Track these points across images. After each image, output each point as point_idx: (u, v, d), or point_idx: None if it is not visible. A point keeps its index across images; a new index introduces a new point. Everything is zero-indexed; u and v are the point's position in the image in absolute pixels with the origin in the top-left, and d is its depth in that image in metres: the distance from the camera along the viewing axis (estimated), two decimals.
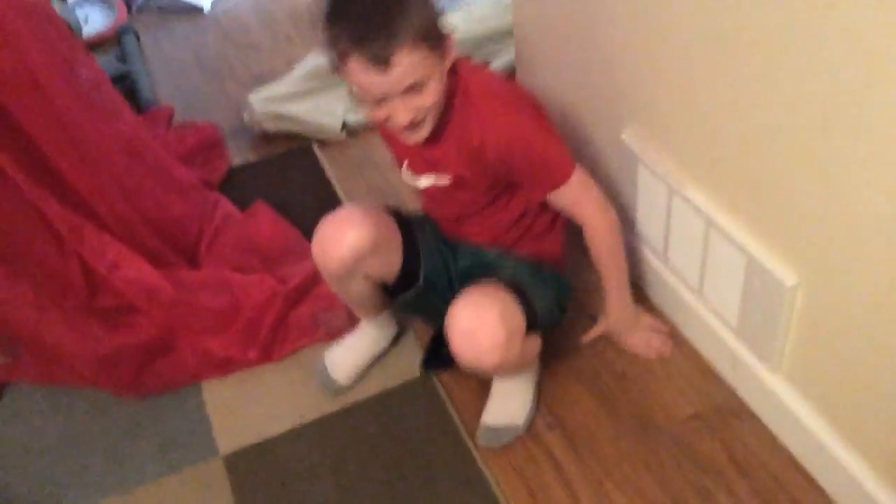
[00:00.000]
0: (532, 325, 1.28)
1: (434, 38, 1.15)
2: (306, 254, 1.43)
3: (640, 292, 1.56)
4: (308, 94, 2.14)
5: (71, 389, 1.57)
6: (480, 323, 1.19)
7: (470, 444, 1.40)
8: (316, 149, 2.09)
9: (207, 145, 2.07)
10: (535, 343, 1.36)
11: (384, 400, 1.49)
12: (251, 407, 1.51)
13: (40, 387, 1.58)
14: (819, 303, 1.13)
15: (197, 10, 2.74)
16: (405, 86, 1.13)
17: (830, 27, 0.92)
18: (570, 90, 1.60)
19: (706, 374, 1.44)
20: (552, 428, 1.40)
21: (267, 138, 2.14)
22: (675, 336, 1.50)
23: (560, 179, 1.27)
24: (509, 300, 1.23)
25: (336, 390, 1.50)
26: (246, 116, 2.13)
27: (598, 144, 1.56)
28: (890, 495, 1.12)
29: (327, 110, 2.10)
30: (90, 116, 1.48)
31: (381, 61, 1.10)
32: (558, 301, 1.41)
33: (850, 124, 0.95)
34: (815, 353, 1.19)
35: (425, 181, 1.33)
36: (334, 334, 1.57)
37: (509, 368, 1.33)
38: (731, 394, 1.40)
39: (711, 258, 1.32)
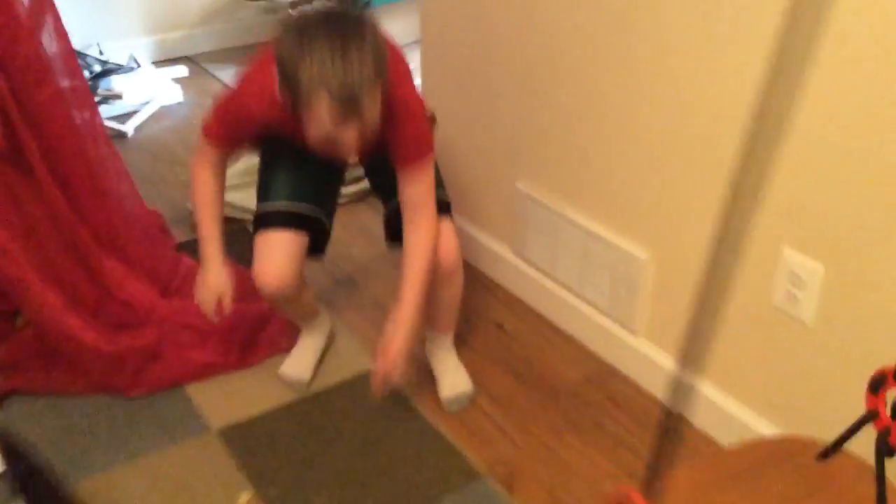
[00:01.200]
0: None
1: (384, 73, 1.27)
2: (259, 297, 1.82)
3: (525, 307, 2.08)
4: (243, 186, 2.58)
5: (66, 396, 1.81)
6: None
7: (416, 405, 1.80)
8: (249, 228, 2.50)
9: (155, 226, 2.43)
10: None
11: (342, 387, 1.86)
12: (232, 399, 1.83)
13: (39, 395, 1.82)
14: (665, 273, 1.69)
15: (122, 135, 3.13)
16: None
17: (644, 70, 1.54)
18: (471, 149, 2.17)
19: (586, 349, 1.95)
20: (478, 392, 1.83)
21: None
22: (556, 329, 2.00)
23: (424, 151, 1.49)
24: None
25: (303, 386, 1.85)
26: (189, 204, 2.52)
27: (495, 192, 2.11)
28: (730, 402, 1.64)
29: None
30: (105, 169, 1.86)
31: (352, 113, 1.25)
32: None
33: (679, 140, 1.55)
34: (664, 314, 1.73)
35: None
36: (289, 347, 1.94)
37: None
38: (607, 361, 1.90)
39: (589, 259, 1.87)
